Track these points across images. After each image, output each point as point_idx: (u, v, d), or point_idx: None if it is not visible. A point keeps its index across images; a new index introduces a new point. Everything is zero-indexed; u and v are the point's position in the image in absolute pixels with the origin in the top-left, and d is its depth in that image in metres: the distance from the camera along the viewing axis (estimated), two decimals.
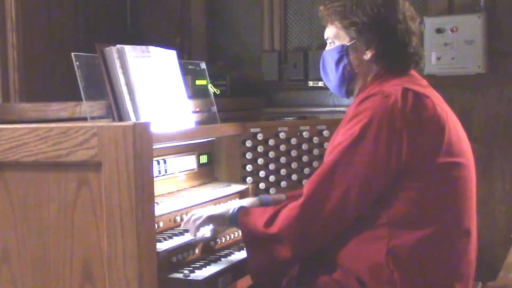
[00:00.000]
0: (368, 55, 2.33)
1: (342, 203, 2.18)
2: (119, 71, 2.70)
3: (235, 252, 2.59)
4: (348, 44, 2.35)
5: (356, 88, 2.40)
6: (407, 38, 2.32)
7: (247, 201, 2.65)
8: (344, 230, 2.23)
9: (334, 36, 2.39)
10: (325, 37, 2.44)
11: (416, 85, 2.27)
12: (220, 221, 2.49)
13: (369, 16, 2.29)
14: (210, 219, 2.50)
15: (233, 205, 2.51)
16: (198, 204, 2.76)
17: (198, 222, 2.49)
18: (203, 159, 3.15)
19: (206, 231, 2.55)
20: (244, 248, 2.41)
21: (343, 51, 2.36)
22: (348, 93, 2.44)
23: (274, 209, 2.31)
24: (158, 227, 2.52)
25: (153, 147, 1.88)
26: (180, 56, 3.08)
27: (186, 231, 2.54)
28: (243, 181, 3.22)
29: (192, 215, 2.54)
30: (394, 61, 2.33)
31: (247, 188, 3.14)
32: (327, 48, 2.44)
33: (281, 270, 2.36)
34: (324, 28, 2.45)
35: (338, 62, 2.38)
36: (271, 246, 2.26)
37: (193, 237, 2.49)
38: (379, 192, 2.18)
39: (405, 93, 2.19)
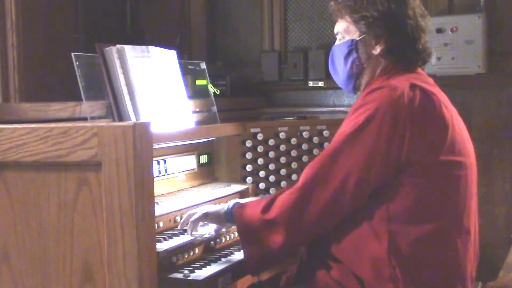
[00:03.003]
0: (377, 49, 2.35)
1: (340, 191, 2.18)
2: (119, 71, 2.70)
3: (235, 252, 2.59)
4: (358, 38, 2.36)
5: (363, 83, 2.41)
6: (416, 34, 2.33)
7: (248, 200, 2.65)
8: (344, 224, 2.23)
9: (344, 30, 2.40)
10: (335, 32, 2.45)
11: (423, 83, 2.28)
12: (216, 218, 2.49)
13: (379, 10, 2.31)
14: (206, 217, 2.50)
15: (228, 202, 2.52)
16: (198, 204, 2.76)
17: (193, 218, 2.49)
18: (203, 159, 3.15)
19: (208, 230, 2.55)
20: (240, 242, 2.41)
21: (353, 45, 2.37)
22: (356, 88, 2.45)
23: (271, 196, 2.32)
24: (158, 227, 2.52)
25: (153, 147, 1.88)
26: (180, 56, 3.08)
27: (186, 231, 2.54)
28: (243, 181, 3.22)
29: (188, 214, 2.54)
30: (403, 57, 2.35)
31: (247, 188, 3.14)
32: (337, 43, 2.45)
33: (276, 259, 2.34)
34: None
35: (347, 56, 2.39)
36: (266, 233, 2.25)
37: (191, 237, 2.48)
38: (377, 183, 2.18)
39: (412, 88, 2.21)
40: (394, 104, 2.17)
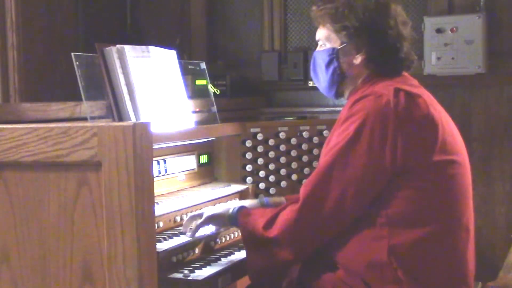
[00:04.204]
0: (358, 59, 2.35)
1: (339, 204, 2.19)
2: (119, 71, 2.70)
3: (235, 252, 2.59)
4: (339, 47, 2.37)
5: (346, 90, 2.43)
6: (398, 44, 2.33)
7: (247, 203, 2.65)
8: (344, 230, 2.24)
9: (325, 38, 2.41)
10: (317, 38, 2.47)
11: (408, 85, 2.28)
12: (220, 221, 2.49)
13: (360, 20, 2.31)
14: (210, 219, 2.50)
15: (233, 205, 2.51)
16: (198, 204, 2.76)
17: (198, 222, 2.49)
18: (203, 159, 3.15)
19: (208, 230, 2.55)
20: (244, 249, 2.42)
21: (334, 54, 2.38)
22: (338, 95, 2.46)
23: (273, 211, 2.32)
24: (158, 227, 2.52)
25: (153, 147, 1.88)
26: (180, 56, 3.08)
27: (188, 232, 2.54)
28: (243, 181, 3.22)
29: (191, 216, 2.54)
30: (385, 66, 2.34)
31: (247, 188, 3.14)
32: (318, 49, 2.46)
33: (281, 270, 2.36)
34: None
35: (328, 65, 2.40)
36: (271, 248, 2.27)
37: (190, 238, 2.48)
38: (376, 192, 2.19)
39: (396, 93, 2.20)
40: (381, 112, 2.17)
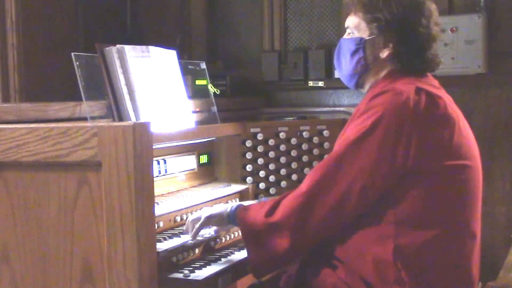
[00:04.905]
0: (384, 53, 2.33)
1: (345, 196, 2.17)
2: (119, 71, 2.70)
3: (235, 252, 2.59)
4: (367, 38, 2.35)
5: (367, 82, 2.40)
6: (426, 44, 2.31)
7: (246, 203, 2.65)
8: (348, 226, 2.23)
9: (355, 26, 2.38)
10: (346, 26, 2.43)
11: (429, 86, 2.26)
12: (219, 220, 2.48)
13: (393, 14, 2.29)
14: (209, 219, 2.49)
15: (231, 204, 2.51)
16: (198, 204, 2.76)
17: (197, 225, 2.48)
18: (203, 159, 3.15)
19: (208, 230, 2.55)
20: (244, 247, 2.41)
21: (361, 44, 2.35)
22: (357, 86, 2.44)
23: (274, 200, 2.30)
24: (158, 227, 2.52)
25: (153, 147, 1.88)
26: (180, 56, 3.08)
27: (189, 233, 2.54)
28: (243, 181, 3.22)
29: (191, 221, 2.52)
30: (410, 64, 2.32)
31: (247, 188, 3.14)
32: (345, 36, 2.43)
33: (281, 263, 2.33)
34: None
35: (353, 54, 2.37)
36: (270, 236, 2.24)
37: (192, 241, 2.48)
38: (383, 189, 2.17)
39: (418, 92, 2.19)
40: (400, 109, 2.15)
